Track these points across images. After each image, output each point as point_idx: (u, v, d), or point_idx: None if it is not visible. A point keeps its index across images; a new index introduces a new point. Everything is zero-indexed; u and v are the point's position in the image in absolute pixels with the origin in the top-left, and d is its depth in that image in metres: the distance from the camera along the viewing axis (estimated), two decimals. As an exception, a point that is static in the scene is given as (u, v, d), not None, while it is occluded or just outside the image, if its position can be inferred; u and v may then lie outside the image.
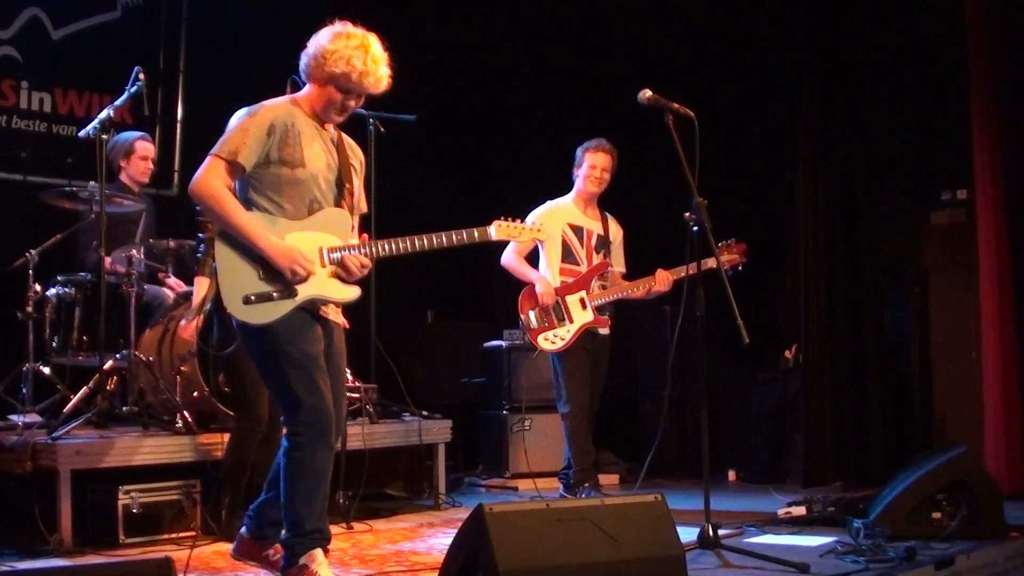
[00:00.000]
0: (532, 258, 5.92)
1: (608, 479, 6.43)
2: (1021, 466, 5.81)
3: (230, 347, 4.29)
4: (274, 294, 3.64)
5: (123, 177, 5.94)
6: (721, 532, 4.29)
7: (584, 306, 5.71)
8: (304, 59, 3.74)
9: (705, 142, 4.23)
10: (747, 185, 7.03)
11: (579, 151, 5.82)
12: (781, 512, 5.15)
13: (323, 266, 3.73)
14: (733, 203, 5.50)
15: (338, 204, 3.83)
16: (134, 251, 5.43)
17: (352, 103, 3.76)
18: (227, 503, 4.73)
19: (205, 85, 7.02)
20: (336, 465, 5.30)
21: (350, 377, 5.79)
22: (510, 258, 5.85)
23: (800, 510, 5.09)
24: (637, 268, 5.94)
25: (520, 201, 5.71)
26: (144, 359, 5.32)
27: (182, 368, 5.27)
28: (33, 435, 4.83)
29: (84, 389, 5.20)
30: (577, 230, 5.82)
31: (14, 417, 5.25)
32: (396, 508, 5.90)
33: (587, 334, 5.71)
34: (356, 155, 3.95)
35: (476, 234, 3.91)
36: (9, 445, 4.77)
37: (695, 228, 4.36)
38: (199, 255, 4.97)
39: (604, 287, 5.81)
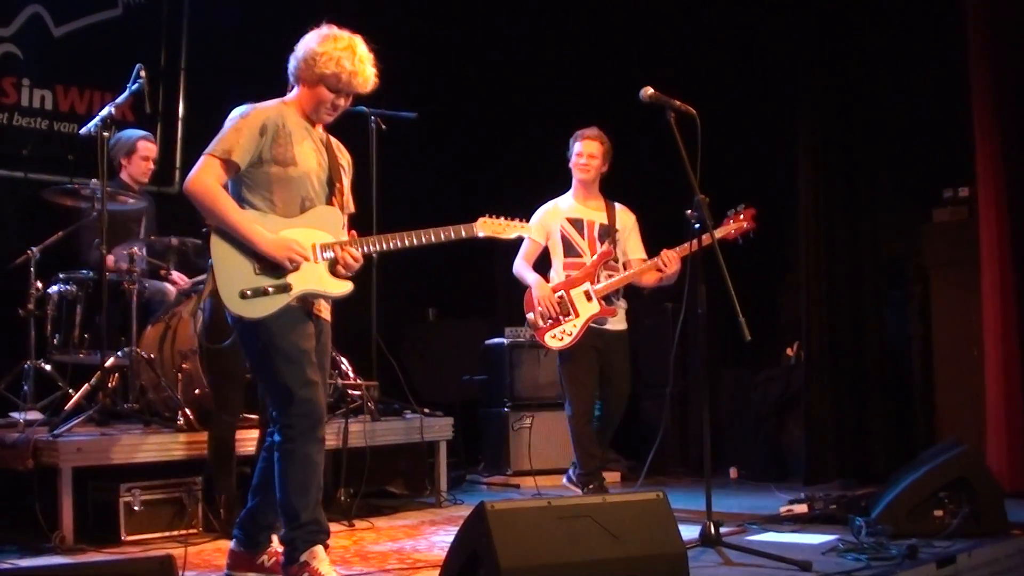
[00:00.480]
0: (546, 264, 5.80)
1: (610, 477, 6.42)
2: (1023, 464, 5.81)
3: (224, 341, 4.29)
4: (269, 288, 3.72)
5: (123, 175, 5.95)
6: (723, 530, 4.29)
7: (589, 298, 5.57)
8: (293, 62, 3.88)
9: (706, 139, 4.23)
10: (748, 182, 7.01)
11: (570, 141, 5.76)
12: (783, 510, 5.15)
13: (316, 262, 3.82)
14: (734, 201, 5.46)
15: (328, 203, 3.93)
16: (136, 248, 5.44)
17: (341, 102, 3.88)
18: (223, 500, 4.75)
19: (206, 83, 7.02)
20: (337, 463, 5.36)
21: (351, 375, 5.81)
22: (516, 264, 5.77)
23: (802, 508, 5.09)
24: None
25: (521, 198, 5.70)
26: (145, 356, 5.32)
27: (183, 365, 5.27)
28: (34, 432, 4.82)
29: (85, 386, 5.19)
30: (576, 223, 5.71)
31: (15, 414, 5.25)
32: (397, 506, 5.90)
33: (595, 331, 5.56)
34: (344, 156, 4.07)
35: (463, 231, 4.03)
36: (11, 442, 4.77)
37: (696, 225, 4.36)
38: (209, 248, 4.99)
39: (611, 276, 5.62)
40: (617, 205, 5.82)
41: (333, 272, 3.85)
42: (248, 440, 4.94)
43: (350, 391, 5.67)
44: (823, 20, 6.81)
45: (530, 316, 5.65)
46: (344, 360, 5.77)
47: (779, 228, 7.21)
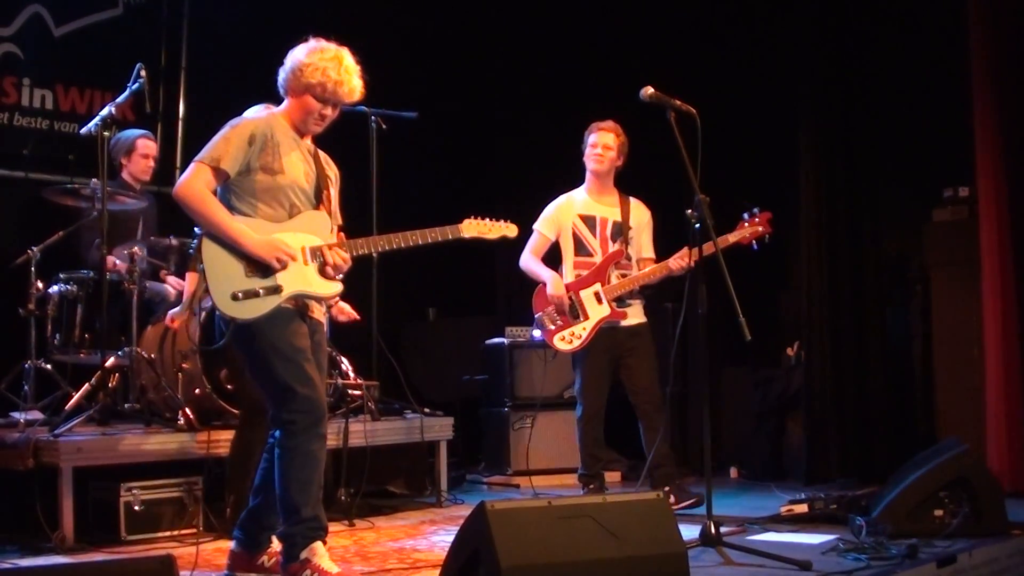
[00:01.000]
0: (555, 258, 5.69)
1: (610, 476, 6.42)
2: (1023, 464, 5.81)
3: (219, 342, 4.29)
4: (260, 290, 3.79)
5: (124, 175, 5.95)
6: (723, 529, 4.29)
7: (600, 300, 5.44)
8: (282, 74, 3.96)
9: (707, 138, 4.23)
10: (749, 182, 7.01)
11: (584, 134, 5.67)
12: (783, 510, 5.14)
13: (306, 264, 3.88)
14: (735, 199, 5.44)
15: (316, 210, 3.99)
16: (136, 248, 5.43)
17: (328, 112, 3.96)
18: (232, 500, 4.73)
19: (207, 82, 7.02)
20: (338, 462, 5.37)
21: (352, 375, 5.81)
22: (524, 258, 5.66)
23: (802, 507, 5.08)
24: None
25: (522, 197, 5.71)
26: (146, 356, 5.32)
27: (184, 365, 5.28)
28: (35, 432, 4.82)
29: (86, 386, 5.19)
30: (588, 220, 5.59)
31: (16, 414, 5.24)
32: (398, 505, 5.90)
33: (606, 332, 5.46)
34: (332, 168, 4.14)
35: (448, 232, 4.11)
36: (11, 442, 4.77)
37: (697, 225, 4.36)
38: (191, 252, 4.97)
39: (624, 276, 5.51)
40: (632, 200, 5.70)
41: (323, 274, 3.91)
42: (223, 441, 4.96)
43: (350, 391, 5.67)
44: (824, 20, 6.81)
45: (539, 316, 5.56)
46: (344, 360, 5.77)
47: (779, 228, 7.19)
